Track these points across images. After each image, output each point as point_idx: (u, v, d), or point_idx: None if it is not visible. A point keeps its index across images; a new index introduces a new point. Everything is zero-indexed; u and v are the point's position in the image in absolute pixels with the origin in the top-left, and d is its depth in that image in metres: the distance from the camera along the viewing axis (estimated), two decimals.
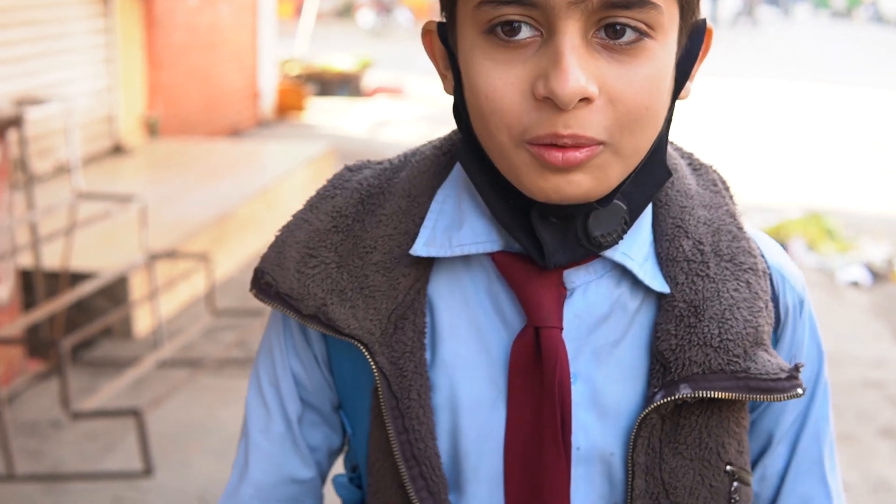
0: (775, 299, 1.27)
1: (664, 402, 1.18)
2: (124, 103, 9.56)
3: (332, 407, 1.33)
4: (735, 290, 1.22)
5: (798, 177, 12.45)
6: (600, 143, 1.08)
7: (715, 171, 1.33)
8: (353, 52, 19.00)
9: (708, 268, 1.22)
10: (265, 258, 1.27)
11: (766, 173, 12.63)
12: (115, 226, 6.41)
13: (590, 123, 1.06)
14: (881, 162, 13.83)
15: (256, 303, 6.60)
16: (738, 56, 27.48)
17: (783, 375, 1.19)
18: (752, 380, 1.18)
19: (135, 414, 4.47)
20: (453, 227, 1.21)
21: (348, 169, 1.32)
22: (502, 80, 1.07)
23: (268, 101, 13.76)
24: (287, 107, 14.19)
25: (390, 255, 1.22)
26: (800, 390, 1.19)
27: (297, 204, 1.35)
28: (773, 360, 1.20)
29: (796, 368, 1.20)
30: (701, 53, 1.18)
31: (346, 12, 34.96)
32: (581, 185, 1.09)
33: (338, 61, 17.51)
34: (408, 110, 15.84)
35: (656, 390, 1.18)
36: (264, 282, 1.26)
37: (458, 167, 1.25)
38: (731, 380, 1.18)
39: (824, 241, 9.17)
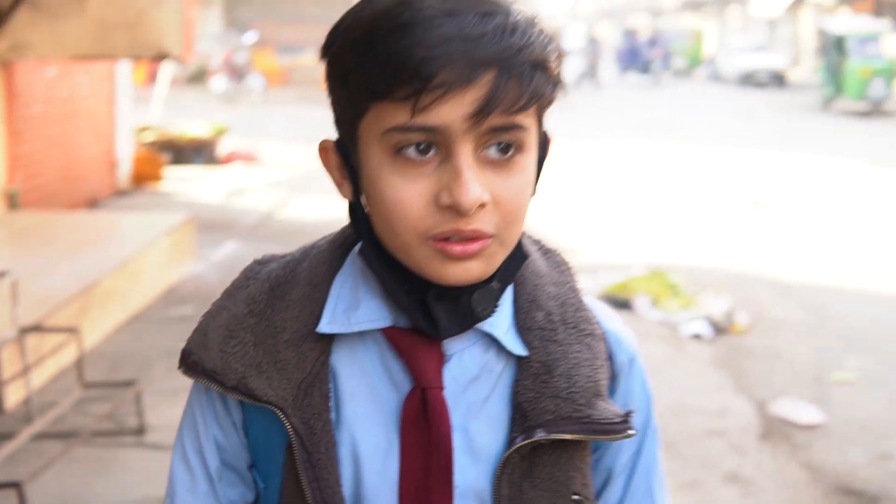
0: (610, 357, 1.54)
1: (523, 444, 1.44)
2: None
3: (246, 466, 1.55)
4: (578, 351, 1.49)
5: (641, 235, 12.90)
6: (491, 236, 1.34)
7: (559, 255, 1.61)
8: (206, 119, 19.02)
9: (557, 334, 1.49)
10: (191, 341, 1.51)
11: (611, 232, 13.07)
12: None
13: (484, 222, 1.33)
14: (720, 218, 14.41)
15: (125, 374, 6.79)
16: (581, 117, 28.21)
17: (618, 420, 1.47)
18: (593, 424, 1.45)
19: (16, 486, 4.59)
20: (351, 309, 1.45)
21: (257, 262, 1.57)
22: (410, 192, 1.32)
23: (125, 170, 13.76)
24: (143, 176, 14.16)
25: (298, 334, 1.46)
26: (631, 431, 1.47)
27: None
28: (610, 408, 1.48)
29: (628, 414, 1.48)
30: (546, 158, 1.46)
31: (198, 78, 34.88)
32: (474, 270, 1.36)
33: (192, 128, 17.51)
34: (262, 177, 15.93)
35: (517, 435, 1.44)
36: (191, 360, 1.49)
37: (351, 258, 1.51)
38: (577, 424, 1.45)
39: (668, 297, 9.58)
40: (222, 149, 17.86)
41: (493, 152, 1.33)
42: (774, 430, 6.83)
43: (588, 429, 1.46)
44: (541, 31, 1.34)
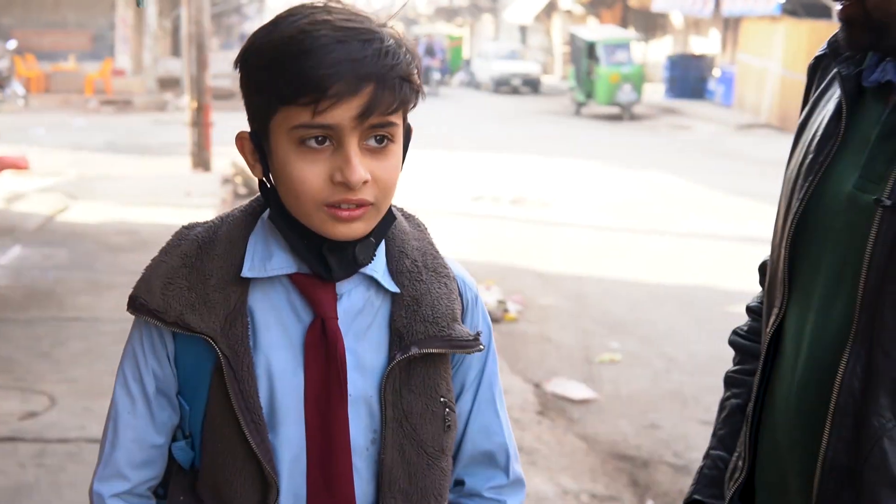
0: (461, 295, 2.03)
1: (402, 358, 1.90)
2: None
3: (174, 393, 1.97)
4: (438, 288, 1.96)
5: None
6: (371, 203, 1.79)
7: (417, 218, 2.10)
8: None
9: (421, 276, 1.96)
10: (137, 287, 1.92)
11: None
12: None
13: (366, 193, 1.78)
14: (486, 217, 15.09)
15: None
16: None
17: (471, 338, 1.96)
18: (453, 340, 1.93)
19: None
20: (265, 259, 1.89)
21: (185, 228, 1.98)
22: (311, 172, 1.76)
23: None
24: None
25: (222, 280, 1.89)
26: (481, 347, 1.97)
27: None
28: (465, 330, 1.97)
29: (478, 334, 1.99)
30: (409, 143, 1.94)
31: None
32: (358, 229, 1.81)
33: None
34: (35, 183, 15.79)
35: (395, 352, 1.90)
36: (138, 303, 1.90)
37: (261, 222, 1.93)
38: (441, 341, 1.92)
39: None
40: None
41: (371, 143, 1.78)
42: (550, 406, 7.39)
43: (449, 344, 1.93)
44: (406, 52, 1.79)
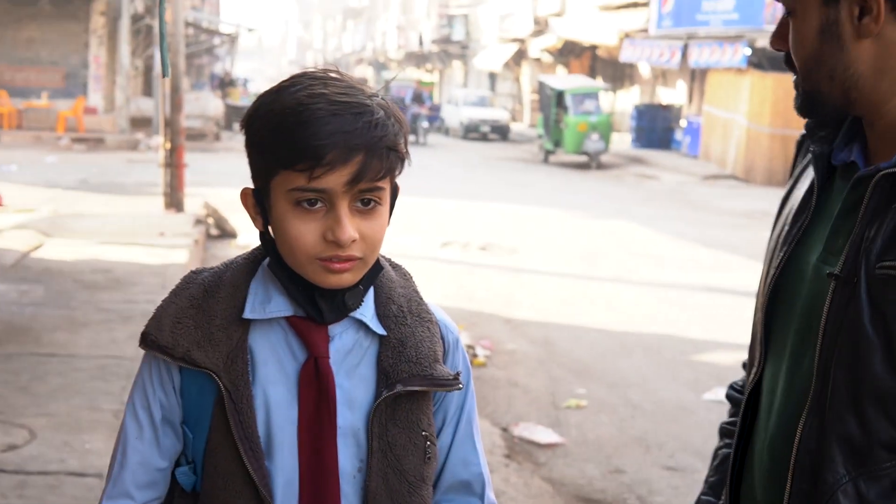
0: (443, 338, 2.22)
1: (388, 395, 2.09)
2: None
3: (179, 422, 2.16)
4: (422, 332, 2.15)
5: None
6: (359, 258, 2.00)
7: (403, 268, 2.31)
8: None
9: (406, 320, 2.15)
10: (149, 325, 2.11)
11: None
12: None
13: (354, 249, 1.99)
14: (454, 263, 15.28)
15: None
16: None
17: (451, 377, 2.15)
18: (435, 379, 2.13)
19: None
20: (265, 302, 2.08)
21: (193, 273, 2.20)
22: (305, 229, 1.97)
23: None
24: None
25: (226, 320, 2.08)
26: (460, 385, 2.16)
27: None
28: (445, 370, 2.16)
29: (457, 374, 2.18)
30: (396, 200, 2.15)
31: None
32: (346, 279, 2.01)
33: None
34: (8, 219, 15.84)
35: (382, 389, 2.10)
36: (150, 339, 2.10)
37: (261, 269, 2.13)
38: (423, 380, 2.11)
39: None
40: None
41: (360, 205, 1.98)
42: (517, 449, 7.57)
43: (431, 383, 2.12)
44: (395, 122, 2.00)
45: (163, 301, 2.15)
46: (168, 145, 17.97)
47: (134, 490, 2.14)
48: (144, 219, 16.44)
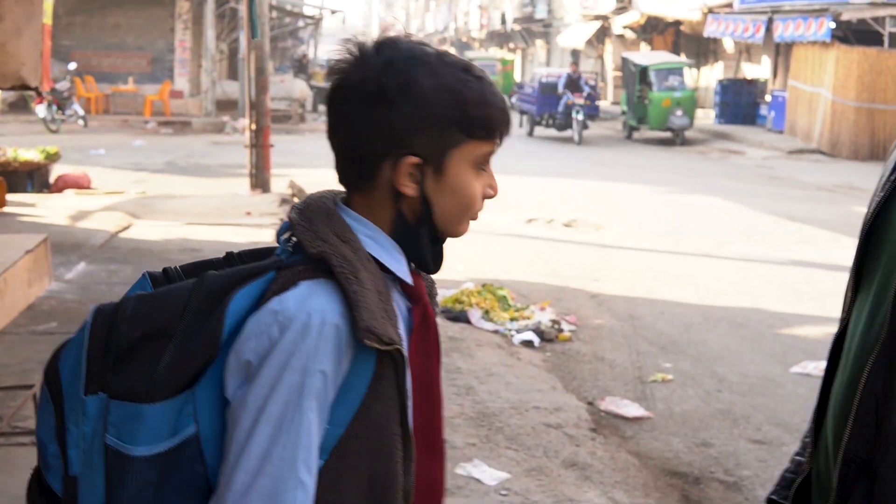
0: None
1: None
2: None
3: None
4: None
5: (472, 255, 13.65)
6: None
7: None
8: (32, 146, 18.88)
9: None
10: (367, 320, 1.94)
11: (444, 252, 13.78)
12: None
13: None
14: (539, 239, 15.31)
15: (13, 381, 7.18)
16: None
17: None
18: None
19: None
20: (399, 265, 2.10)
21: (334, 256, 2.00)
22: (479, 188, 2.10)
23: None
24: None
25: (386, 294, 2.03)
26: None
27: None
28: None
29: None
30: None
31: (18, 105, 34.38)
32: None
33: (24, 153, 17.55)
34: (98, 202, 16.08)
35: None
36: (376, 334, 1.94)
37: (366, 238, 2.05)
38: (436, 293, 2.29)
39: (498, 309, 10.35)
40: (53, 174, 17.87)
41: None
42: (604, 423, 7.59)
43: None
44: None
45: (352, 290, 1.95)
46: (254, 127, 18.11)
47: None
48: (231, 199, 16.64)
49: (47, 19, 9.43)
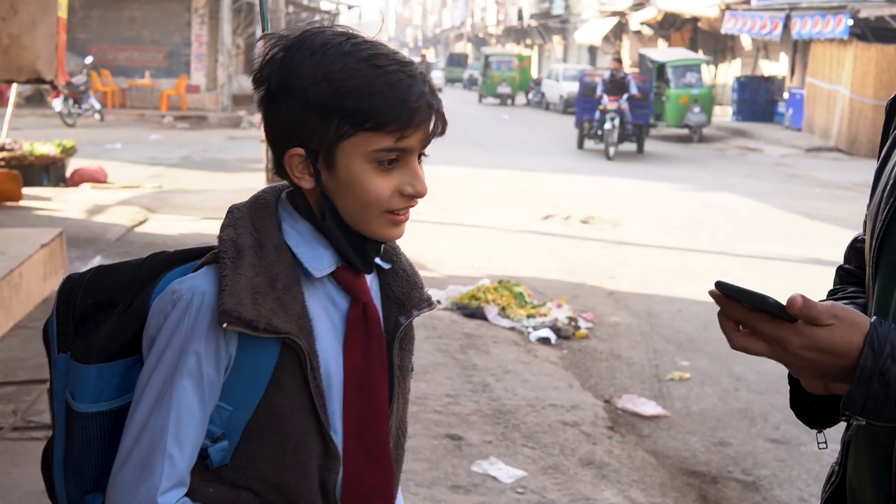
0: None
1: (408, 321, 2.21)
2: None
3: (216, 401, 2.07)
4: (407, 261, 2.28)
5: (487, 251, 13.61)
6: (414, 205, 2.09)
7: None
8: (48, 139, 18.91)
9: (398, 251, 2.26)
10: (226, 301, 1.98)
11: (459, 249, 13.74)
12: None
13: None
14: (555, 236, 15.26)
15: (27, 375, 7.16)
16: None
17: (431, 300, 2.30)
18: (430, 301, 2.28)
19: None
20: (318, 260, 2.08)
21: (227, 239, 2.08)
22: (384, 186, 2.02)
23: None
24: (2, 194, 14.21)
25: (286, 283, 2.05)
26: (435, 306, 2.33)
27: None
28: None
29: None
30: None
31: (35, 99, 34.47)
32: (402, 231, 2.09)
33: (40, 147, 17.54)
34: (114, 196, 16.11)
35: (399, 317, 2.20)
36: (234, 315, 1.97)
37: (288, 227, 2.09)
38: (427, 303, 2.26)
39: (514, 306, 10.30)
40: (70, 168, 17.87)
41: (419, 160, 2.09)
42: (621, 421, 7.54)
43: (429, 304, 2.27)
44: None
45: (223, 274, 2.01)
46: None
47: (187, 476, 2.05)
48: (247, 194, 16.21)
49: (62, 13, 9.42)
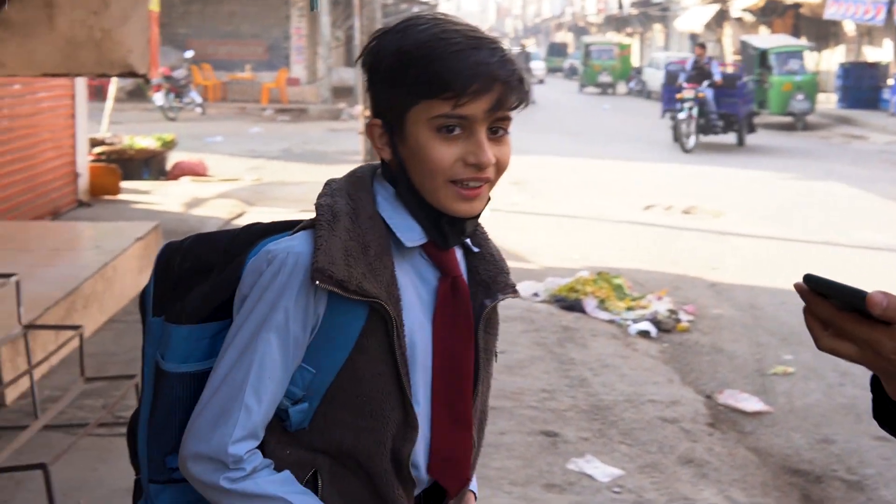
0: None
1: (493, 304, 2.24)
2: None
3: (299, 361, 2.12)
4: (495, 247, 2.33)
5: (586, 242, 13.45)
6: (488, 180, 2.08)
7: None
8: (149, 133, 19.11)
9: (487, 237, 2.32)
10: (321, 260, 2.03)
11: (559, 240, 13.59)
12: None
13: (489, 172, 2.07)
14: (657, 226, 15.03)
15: (118, 370, 7.16)
16: (516, 130, 28.68)
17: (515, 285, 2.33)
18: (515, 288, 2.31)
19: (42, 468, 4.94)
20: (409, 230, 2.13)
21: (325, 205, 2.14)
22: (447, 153, 2.04)
23: (84, 182, 13.98)
24: (102, 188, 14.36)
25: (378, 250, 2.10)
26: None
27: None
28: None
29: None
30: None
31: (137, 93, 34.90)
32: (477, 207, 2.10)
33: (140, 140, 17.71)
34: (213, 189, 16.21)
35: (484, 300, 2.24)
36: (327, 273, 2.02)
37: (381, 198, 2.15)
38: (512, 289, 2.29)
39: (614, 299, 10.12)
40: (170, 162, 18.02)
41: (490, 133, 2.08)
42: (722, 418, 7.35)
43: (514, 291, 2.30)
44: (517, 61, 2.10)
45: (318, 235, 2.06)
46: (368, 113, 18.05)
47: (260, 430, 2.08)
48: None
49: (154, 6, 9.41)
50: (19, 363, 6.58)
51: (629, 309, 9.89)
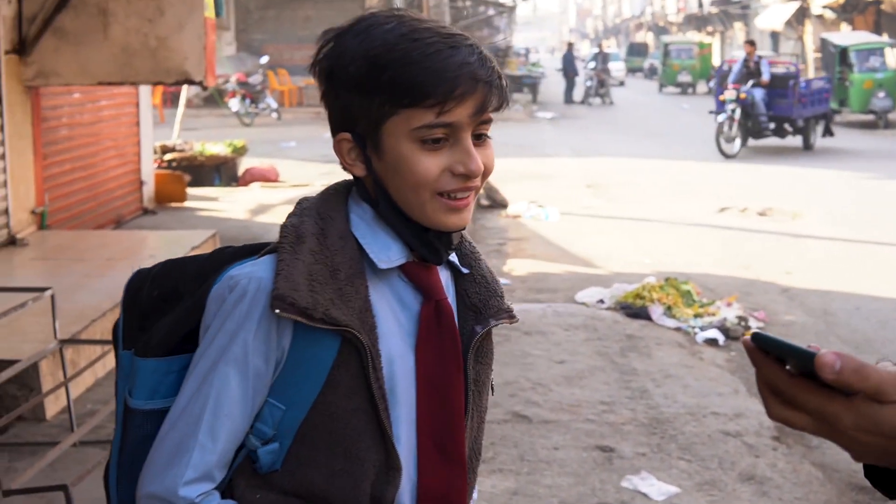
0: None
1: (484, 330, 2.06)
2: (14, 197, 9.83)
3: (263, 396, 1.95)
4: (488, 268, 2.14)
5: (654, 246, 13.19)
6: (476, 188, 1.93)
7: None
8: (224, 139, 19.09)
9: (479, 257, 2.14)
10: (281, 287, 1.88)
11: (625, 245, 13.36)
12: (18, 315, 6.50)
13: (477, 180, 1.93)
14: (728, 229, 14.73)
15: None
16: (593, 132, 28.42)
17: (511, 310, 2.14)
18: (511, 313, 2.12)
19: (63, 489, 4.83)
20: (385, 251, 1.97)
21: (291, 225, 2.00)
22: (432, 165, 1.88)
23: (149, 189, 13.97)
24: (167, 195, 14.35)
25: (349, 273, 1.94)
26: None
27: None
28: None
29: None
30: None
31: (213, 99, 35.09)
32: (466, 218, 1.95)
33: (211, 147, 17.72)
34: (282, 195, 16.11)
35: (475, 326, 2.06)
36: (288, 301, 1.86)
37: (356, 216, 1.99)
38: (506, 313, 2.10)
39: (681, 305, 9.85)
40: (242, 168, 17.98)
41: (477, 137, 1.93)
42: (787, 431, 7.07)
43: (509, 315, 2.11)
44: (493, 59, 1.95)
45: (280, 259, 1.91)
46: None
47: (218, 470, 1.92)
48: None
49: (209, 13, 9.34)
50: (59, 377, 6.47)
51: (697, 316, 9.63)
